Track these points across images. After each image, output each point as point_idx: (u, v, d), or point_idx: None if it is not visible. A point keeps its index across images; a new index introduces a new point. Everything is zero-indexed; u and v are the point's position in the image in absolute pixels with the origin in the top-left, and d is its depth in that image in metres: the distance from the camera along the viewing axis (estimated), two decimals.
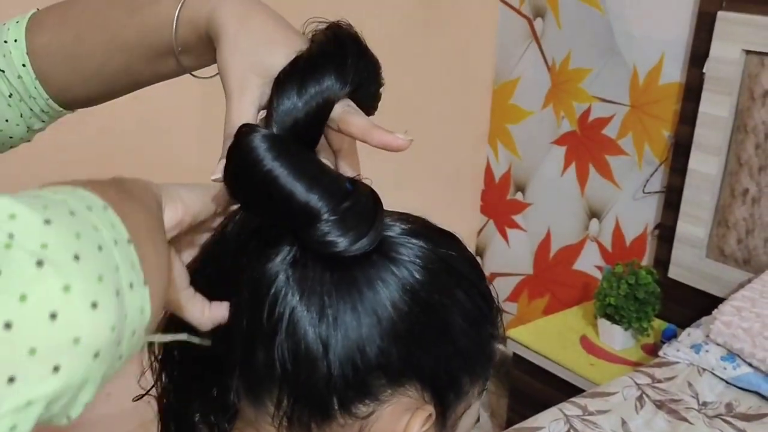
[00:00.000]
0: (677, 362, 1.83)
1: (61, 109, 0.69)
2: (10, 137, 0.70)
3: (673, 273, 2.16)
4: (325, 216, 0.48)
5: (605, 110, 2.35)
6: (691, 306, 2.09)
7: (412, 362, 0.51)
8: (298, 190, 0.47)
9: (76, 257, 0.32)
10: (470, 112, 2.65)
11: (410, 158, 2.50)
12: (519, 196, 2.66)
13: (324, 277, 0.49)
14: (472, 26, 2.54)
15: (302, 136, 0.52)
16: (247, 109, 0.53)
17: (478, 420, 0.62)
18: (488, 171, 2.74)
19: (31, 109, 0.68)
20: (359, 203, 0.50)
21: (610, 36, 2.28)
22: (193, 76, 0.65)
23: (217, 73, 0.58)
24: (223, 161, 0.50)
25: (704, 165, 2.05)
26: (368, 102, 0.56)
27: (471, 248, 2.81)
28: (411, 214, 0.56)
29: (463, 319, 0.53)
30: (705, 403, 1.68)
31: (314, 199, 0.47)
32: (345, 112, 0.52)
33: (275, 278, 0.50)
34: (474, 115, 2.67)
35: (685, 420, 1.62)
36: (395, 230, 0.53)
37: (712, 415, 1.64)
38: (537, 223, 2.62)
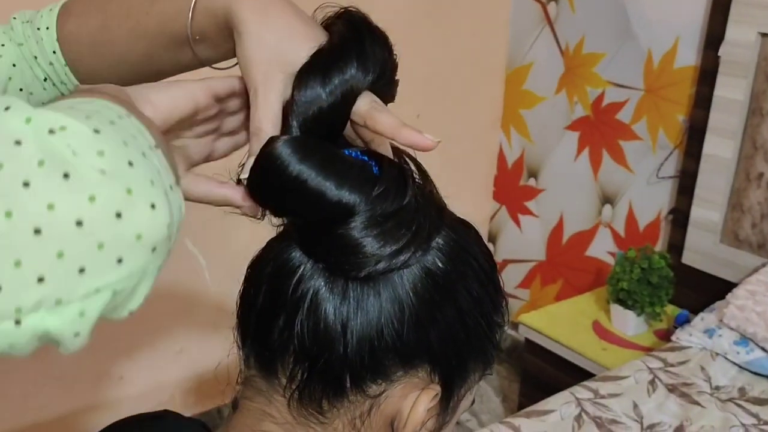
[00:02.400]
0: (690, 347, 1.83)
1: None
2: None
3: (687, 258, 2.15)
4: (358, 208, 0.48)
5: (619, 95, 2.33)
6: (705, 291, 2.08)
7: (425, 346, 0.52)
8: (329, 188, 0.48)
9: (130, 163, 0.36)
10: (483, 97, 2.64)
11: None
12: (532, 181, 2.65)
13: None
14: (485, 11, 2.52)
15: (327, 127, 0.52)
16: (273, 104, 0.53)
17: (473, 402, 0.63)
18: (501, 157, 2.73)
19: (63, 94, 0.70)
20: (390, 187, 0.50)
21: (625, 19, 2.27)
22: (213, 68, 0.64)
23: (234, 64, 0.59)
24: (252, 159, 0.50)
25: (719, 149, 2.03)
26: (388, 90, 0.56)
27: (483, 234, 2.81)
28: (436, 195, 0.57)
29: (475, 308, 0.54)
30: (717, 387, 1.67)
31: (346, 195, 0.48)
32: (372, 109, 0.53)
33: (302, 262, 0.51)
34: (487, 101, 2.66)
35: (698, 403, 1.61)
36: None
37: (725, 398, 1.63)
38: (550, 208, 2.61)
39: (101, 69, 0.68)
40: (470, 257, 0.55)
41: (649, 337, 2.13)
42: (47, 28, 0.67)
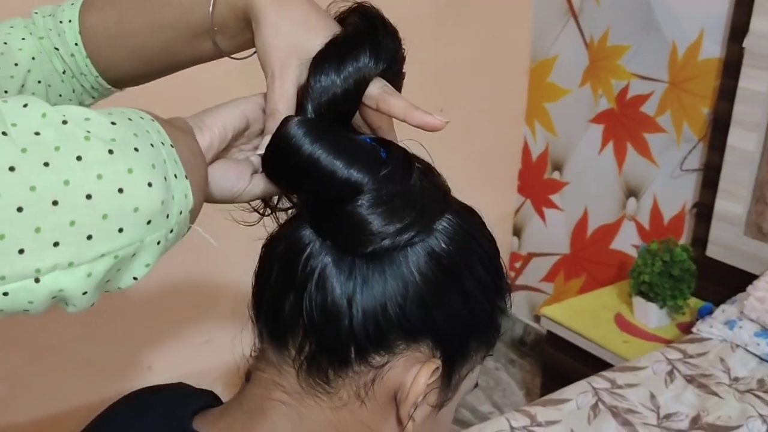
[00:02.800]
0: (710, 338, 1.82)
1: (109, 86, 0.74)
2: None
3: (711, 251, 2.13)
4: (366, 187, 0.51)
5: (643, 87, 2.32)
6: (728, 284, 2.06)
7: (428, 322, 0.54)
8: (339, 166, 0.51)
9: (136, 149, 0.43)
10: (507, 91, 2.65)
11: (447, 138, 2.50)
12: (556, 175, 2.65)
13: None
14: (509, 3, 2.53)
15: (339, 112, 0.56)
16: (289, 87, 0.56)
17: (476, 385, 0.65)
18: (525, 150, 2.74)
19: (82, 86, 0.73)
20: (396, 169, 0.53)
21: (650, 12, 2.26)
22: (233, 58, 0.68)
23: (251, 54, 0.62)
24: (268, 137, 0.54)
25: (743, 141, 2.01)
26: (395, 81, 0.59)
27: (508, 228, 2.82)
28: (440, 180, 0.58)
29: (478, 289, 0.57)
30: (736, 379, 1.67)
31: (354, 173, 0.51)
32: (384, 92, 0.56)
33: (311, 240, 0.54)
34: (511, 94, 2.66)
35: (716, 394, 1.61)
36: None
37: (744, 390, 1.62)
38: (574, 202, 2.61)
39: (119, 60, 0.71)
40: (473, 241, 0.57)
41: (671, 329, 2.12)
42: (69, 21, 0.70)
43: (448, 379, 0.57)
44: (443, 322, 0.55)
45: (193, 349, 2.21)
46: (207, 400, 0.62)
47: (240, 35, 0.63)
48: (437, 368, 0.55)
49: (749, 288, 1.79)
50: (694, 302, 2.13)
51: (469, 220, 0.57)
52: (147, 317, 2.10)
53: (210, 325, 2.20)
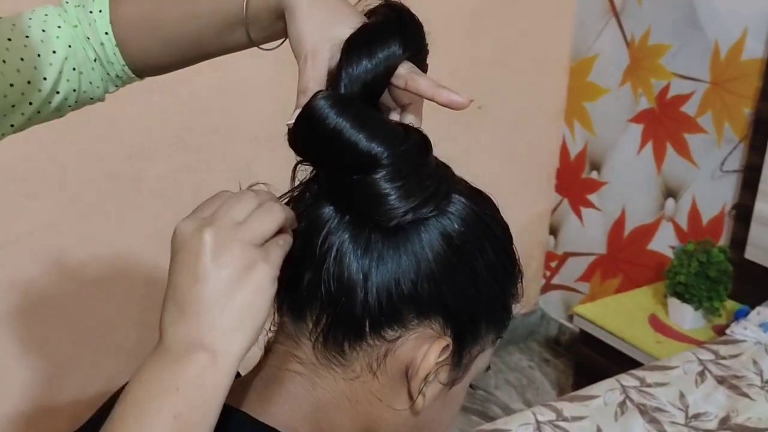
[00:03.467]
0: (744, 340, 1.80)
1: (133, 75, 0.78)
2: (91, 98, 0.79)
3: (750, 254, 2.10)
4: (385, 160, 0.54)
5: (684, 87, 2.30)
6: (766, 287, 2.03)
7: (439, 299, 0.56)
8: (361, 139, 0.53)
9: None
10: (547, 89, 2.64)
11: (485, 134, 2.52)
12: (594, 174, 2.63)
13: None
14: (550, 2, 2.53)
15: (369, 93, 0.58)
16: (320, 68, 0.60)
17: (488, 368, 0.66)
18: (564, 149, 2.73)
19: (108, 74, 0.77)
20: (415, 147, 0.56)
21: (692, 10, 2.23)
22: (261, 49, 0.71)
23: (280, 44, 0.66)
24: (298, 110, 0.57)
25: None
26: (421, 68, 0.62)
27: (544, 227, 2.81)
28: (452, 171, 0.61)
29: (488, 271, 0.59)
30: None
31: (375, 147, 0.53)
32: (412, 72, 0.59)
33: (331, 218, 0.56)
34: (550, 93, 2.66)
35: (746, 396, 1.59)
36: None
37: None
38: (612, 202, 2.59)
39: (151, 49, 0.74)
40: (485, 225, 0.59)
41: (706, 332, 2.10)
42: (100, 11, 0.74)
43: (459, 358, 0.59)
44: (453, 300, 0.57)
45: None
46: None
47: (270, 27, 0.66)
48: (447, 346, 0.57)
49: None
50: (730, 305, 2.11)
51: (483, 204, 0.59)
52: None
53: None
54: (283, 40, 0.66)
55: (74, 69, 0.75)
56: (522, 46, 2.52)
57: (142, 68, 0.77)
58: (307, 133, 0.56)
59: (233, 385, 0.62)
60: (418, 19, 0.61)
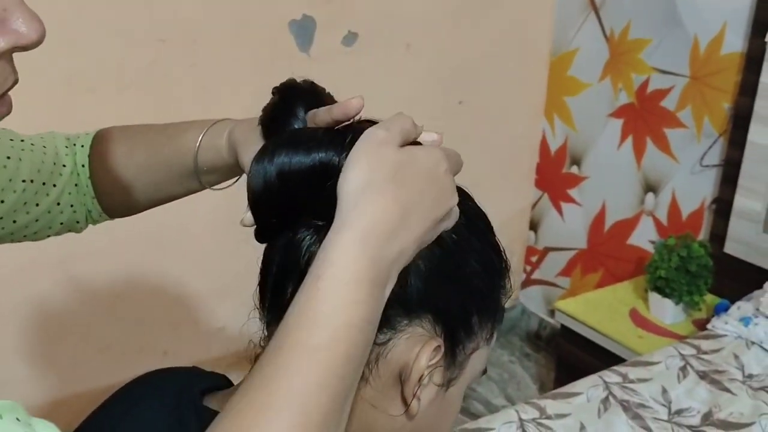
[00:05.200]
0: (725, 335, 1.81)
1: (101, 213, 0.84)
2: (77, 222, 0.85)
3: (730, 248, 2.11)
4: (339, 159, 0.52)
5: (664, 81, 2.30)
6: (746, 282, 2.04)
7: (427, 296, 0.55)
8: (302, 158, 0.53)
9: None
10: (526, 84, 2.64)
11: (465, 129, 2.50)
12: (575, 169, 2.63)
13: None
14: None
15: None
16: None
17: (485, 371, 0.65)
18: (544, 144, 2.72)
19: (84, 204, 0.83)
20: (359, 134, 0.53)
21: (672, 5, 2.23)
22: (212, 189, 0.78)
23: (234, 182, 0.75)
24: (247, 210, 0.57)
25: (764, 137, 1.99)
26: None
27: (525, 222, 2.81)
28: None
29: (474, 263, 0.58)
30: (750, 375, 1.65)
31: (318, 155, 0.53)
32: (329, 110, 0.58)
33: (310, 227, 0.55)
34: (530, 87, 2.65)
35: (728, 390, 1.59)
36: None
37: (757, 387, 1.61)
38: (592, 197, 2.60)
39: (118, 187, 0.81)
40: (468, 218, 0.58)
41: (687, 326, 2.11)
42: (82, 146, 0.82)
43: (453, 356, 0.58)
44: (441, 296, 0.56)
45: (209, 335, 2.23)
46: (218, 382, 0.63)
47: (229, 174, 0.74)
48: (439, 346, 0.55)
49: (766, 284, 1.78)
50: (710, 299, 2.12)
51: (463, 198, 0.58)
52: (164, 303, 2.12)
53: (225, 312, 2.22)
54: (236, 179, 0.73)
55: (70, 194, 0.82)
56: (502, 41, 2.51)
57: (109, 206, 0.84)
58: (266, 202, 0.54)
59: (225, 394, 0.60)
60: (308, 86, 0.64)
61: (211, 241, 2.09)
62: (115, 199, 0.83)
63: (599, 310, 2.19)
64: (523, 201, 2.79)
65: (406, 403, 0.56)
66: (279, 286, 0.56)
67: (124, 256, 1.99)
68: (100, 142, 0.82)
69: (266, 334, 0.60)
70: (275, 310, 0.57)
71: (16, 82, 0.46)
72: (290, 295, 0.55)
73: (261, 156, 0.54)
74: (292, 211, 0.55)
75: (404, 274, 0.53)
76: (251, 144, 0.66)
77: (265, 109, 0.64)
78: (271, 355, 0.48)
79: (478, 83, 2.48)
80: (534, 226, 2.83)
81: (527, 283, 2.90)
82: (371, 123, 0.56)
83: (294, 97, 0.62)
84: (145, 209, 0.84)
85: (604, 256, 2.60)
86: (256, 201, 0.55)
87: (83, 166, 0.81)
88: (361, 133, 0.52)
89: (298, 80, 0.65)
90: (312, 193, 0.53)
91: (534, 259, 2.86)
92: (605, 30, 2.44)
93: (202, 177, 0.75)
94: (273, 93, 0.64)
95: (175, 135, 0.77)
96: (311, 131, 0.56)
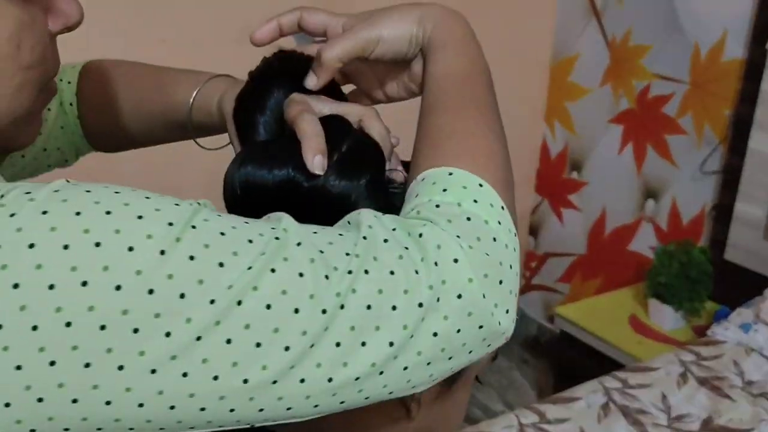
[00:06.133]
0: (725, 341, 1.80)
1: (91, 148, 0.81)
2: (66, 160, 0.82)
3: (730, 255, 2.11)
4: (297, 174, 0.52)
5: (665, 88, 2.30)
6: (747, 288, 2.03)
7: None
8: (266, 174, 0.52)
9: (486, 274, 0.46)
10: (527, 89, 2.64)
11: None
12: (575, 175, 2.63)
13: None
14: (532, 1, 2.52)
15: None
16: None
17: (496, 356, 0.64)
18: (544, 149, 2.72)
19: (73, 142, 0.80)
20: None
21: (672, 12, 2.24)
22: (202, 147, 0.75)
23: (225, 146, 0.70)
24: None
25: (764, 144, 1.99)
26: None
27: (524, 227, 2.80)
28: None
29: None
30: (750, 382, 1.65)
31: (277, 173, 0.52)
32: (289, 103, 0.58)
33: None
34: (531, 93, 2.65)
35: (728, 397, 1.59)
36: None
37: (757, 393, 1.61)
38: (592, 202, 2.59)
39: (107, 129, 0.78)
40: None
41: (687, 332, 2.10)
42: (69, 83, 0.77)
43: None
44: None
45: None
46: None
47: (216, 132, 0.70)
48: None
49: (766, 291, 1.77)
50: (710, 306, 2.11)
51: None
52: None
53: None
54: (226, 143, 0.69)
55: (59, 130, 0.78)
56: (503, 46, 2.50)
57: (98, 144, 0.81)
58: (236, 206, 0.54)
59: None
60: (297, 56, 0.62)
61: None
62: (106, 140, 0.80)
63: (598, 316, 2.19)
64: (523, 206, 2.78)
65: (405, 405, 0.55)
66: None
67: None
68: (88, 80, 0.78)
69: None
70: None
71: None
72: None
73: (233, 162, 0.54)
74: (261, 216, 0.55)
75: None
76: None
77: (237, 98, 0.61)
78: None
79: None
80: (534, 231, 2.82)
81: (527, 288, 2.90)
82: (340, 119, 0.55)
83: (266, 90, 0.60)
84: (139, 147, 0.82)
85: (604, 261, 2.59)
86: (227, 201, 0.55)
87: (71, 104, 0.77)
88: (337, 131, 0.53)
89: (277, 55, 0.63)
90: (277, 206, 0.52)
91: (533, 264, 2.86)
92: (606, 36, 2.44)
93: (195, 133, 0.73)
94: (248, 79, 0.63)
95: (168, 86, 0.74)
96: (282, 144, 0.55)
